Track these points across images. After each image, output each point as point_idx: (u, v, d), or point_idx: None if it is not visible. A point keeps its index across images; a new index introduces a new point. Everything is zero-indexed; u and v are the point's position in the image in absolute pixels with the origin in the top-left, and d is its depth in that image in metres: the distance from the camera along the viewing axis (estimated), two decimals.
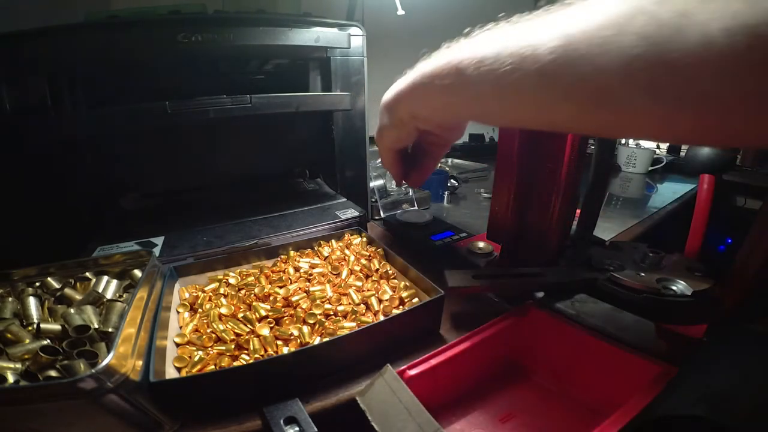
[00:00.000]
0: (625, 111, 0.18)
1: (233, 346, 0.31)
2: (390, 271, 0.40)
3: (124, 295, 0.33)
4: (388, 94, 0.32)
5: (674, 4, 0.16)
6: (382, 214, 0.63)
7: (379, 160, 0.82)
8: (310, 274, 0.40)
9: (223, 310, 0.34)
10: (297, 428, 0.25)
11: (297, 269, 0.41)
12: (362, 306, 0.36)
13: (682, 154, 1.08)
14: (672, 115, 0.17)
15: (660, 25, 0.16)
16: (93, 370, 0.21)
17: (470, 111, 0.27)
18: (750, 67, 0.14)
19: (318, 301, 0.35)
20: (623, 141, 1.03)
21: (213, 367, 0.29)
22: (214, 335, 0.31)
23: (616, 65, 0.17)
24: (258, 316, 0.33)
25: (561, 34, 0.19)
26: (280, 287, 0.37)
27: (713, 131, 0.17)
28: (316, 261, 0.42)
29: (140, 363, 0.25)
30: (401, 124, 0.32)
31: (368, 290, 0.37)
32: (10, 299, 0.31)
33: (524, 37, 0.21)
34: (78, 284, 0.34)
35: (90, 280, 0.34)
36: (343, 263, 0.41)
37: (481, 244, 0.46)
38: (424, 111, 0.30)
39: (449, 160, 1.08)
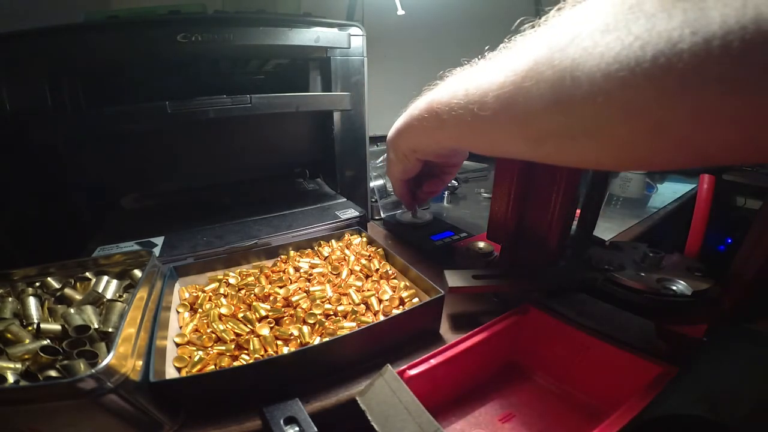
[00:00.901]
0: (559, 146, 0.20)
1: (233, 346, 0.31)
2: (390, 271, 0.40)
3: (124, 295, 0.33)
4: (391, 132, 0.36)
5: (567, 55, 0.17)
6: (382, 214, 0.63)
7: (379, 160, 0.82)
8: (310, 274, 0.40)
9: (223, 310, 0.34)
10: (297, 428, 0.25)
11: (297, 269, 0.41)
12: (362, 306, 0.36)
13: None
14: (582, 150, 0.20)
15: (559, 74, 0.18)
16: (93, 370, 0.21)
17: (456, 144, 0.30)
18: (622, 112, 0.16)
19: (318, 301, 0.35)
20: None
21: (213, 367, 0.29)
22: (214, 335, 0.31)
23: (540, 108, 0.19)
24: (258, 316, 0.33)
25: (500, 78, 0.21)
26: (280, 287, 0.37)
27: (614, 160, 0.19)
28: (316, 261, 0.42)
29: (140, 363, 0.25)
30: (404, 158, 0.36)
31: (368, 290, 0.37)
32: (10, 299, 0.31)
33: (480, 80, 0.23)
34: (78, 284, 0.34)
35: (90, 280, 0.34)
36: (343, 263, 0.41)
37: (481, 244, 0.46)
38: (419, 146, 0.34)
39: None
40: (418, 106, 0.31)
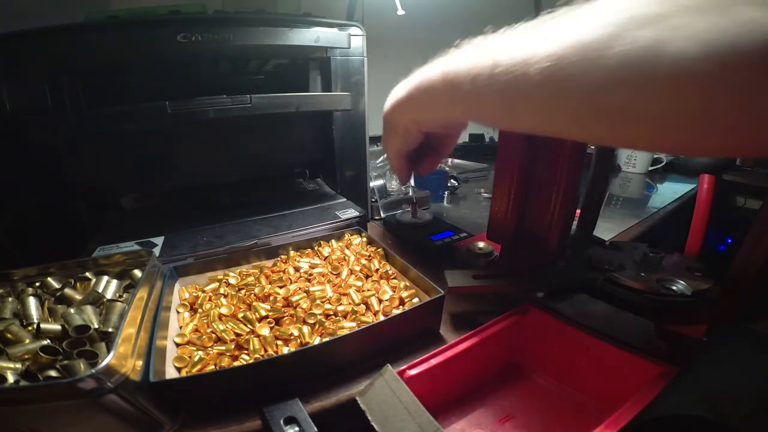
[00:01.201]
0: (615, 125, 0.19)
1: (233, 346, 0.31)
2: (390, 271, 0.40)
3: (124, 295, 0.33)
4: (389, 104, 0.33)
5: (650, 30, 0.16)
6: (382, 214, 0.63)
7: (380, 159, 0.82)
8: (310, 274, 0.40)
9: (223, 310, 0.34)
10: (297, 428, 0.25)
11: (297, 269, 0.41)
12: (362, 306, 0.36)
13: None
14: (653, 132, 0.18)
15: (637, 48, 0.17)
16: (93, 370, 0.21)
17: (471, 117, 0.28)
18: (722, 87, 0.15)
19: (318, 301, 0.35)
20: None
21: (213, 367, 0.29)
22: (214, 335, 0.31)
23: (597, 85, 0.18)
24: (258, 316, 0.33)
25: (551, 50, 0.19)
26: (280, 287, 0.37)
27: (693, 144, 0.18)
28: (316, 261, 0.42)
29: (140, 363, 0.25)
30: (405, 131, 0.33)
31: (368, 290, 0.37)
32: (10, 299, 0.31)
33: (516, 50, 0.21)
34: (78, 284, 0.34)
35: (90, 280, 0.34)
36: (343, 263, 0.41)
37: (481, 244, 0.46)
38: (426, 117, 0.31)
39: (449, 160, 1.08)
40: (427, 75, 0.28)
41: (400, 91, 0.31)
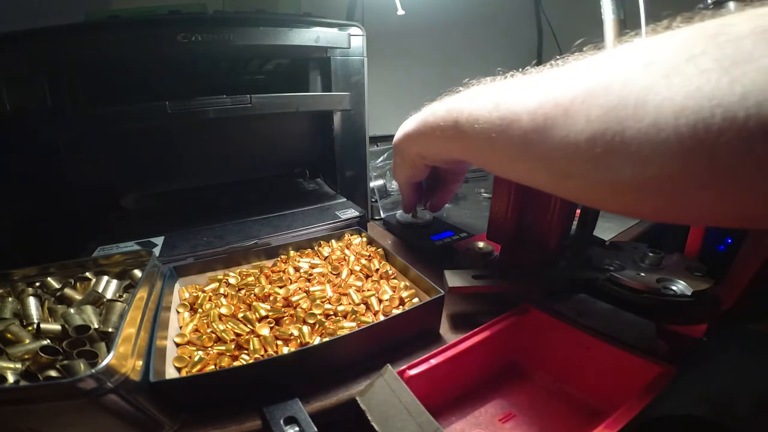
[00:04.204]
0: (591, 184, 0.19)
1: (233, 346, 0.31)
2: (390, 271, 0.40)
3: (124, 295, 0.33)
4: (399, 135, 0.35)
5: (638, 82, 0.16)
6: (382, 214, 0.63)
7: (379, 160, 0.82)
8: (310, 274, 0.40)
9: (223, 310, 0.34)
10: (297, 428, 0.25)
11: (297, 269, 0.41)
12: (362, 306, 0.36)
13: None
14: (633, 194, 0.17)
15: (617, 102, 0.16)
16: (93, 370, 0.21)
17: (470, 158, 0.29)
18: (704, 151, 0.14)
19: (318, 301, 0.35)
20: None
21: (213, 367, 0.29)
22: (214, 335, 0.31)
23: (582, 138, 0.18)
24: (258, 316, 0.33)
25: (539, 102, 0.20)
26: (280, 287, 0.37)
27: (661, 212, 0.18)
28: (316, 261, 0.42)
29: (140, 363, 0.25)
30: (412, 163, 0.35)
31: (368, 290, 0.37)
32: (10, 299, 0.31)
33: (513, 100, 0.22)
34: (78, 284, 0.34)
35: (90, 280, 0.34)
36: (343, 263, 0.41)
37: (481, 244, 0.46)
38: (430, 153, 0.33)
39: None
40: (435, 111, 0.29)
41: (410, 123, 0.33)
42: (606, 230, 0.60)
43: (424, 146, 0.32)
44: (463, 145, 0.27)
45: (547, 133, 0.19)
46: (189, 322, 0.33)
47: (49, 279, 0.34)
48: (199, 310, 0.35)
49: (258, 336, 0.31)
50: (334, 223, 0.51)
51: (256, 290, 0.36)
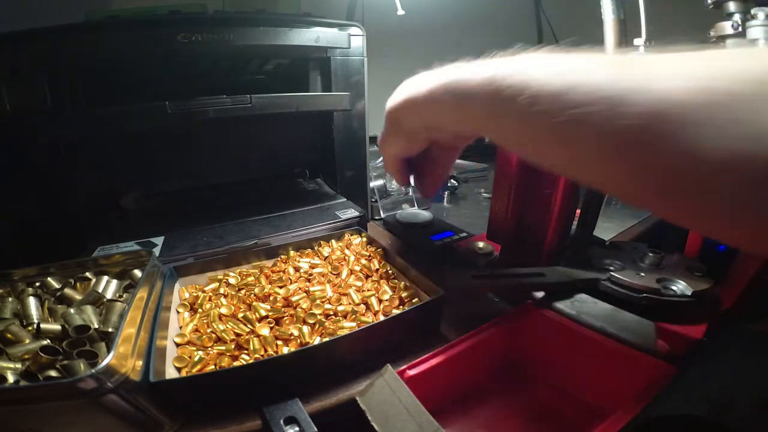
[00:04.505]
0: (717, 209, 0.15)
1: (233, 346, 0.31)
2: (390, 271, 0.40)
3: (124, 295, 0.33)
4: (396, 100, 0.28)
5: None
6: (382, 214, 0.63)
7: (380, 160, 0.82)
8: (310, 274, 0.40)
9: (223, 310, 0.34)
10: (297, 428, 0.25)
11: (297, 269, 0.41)
12: (362, 306, 0.36)
13: None
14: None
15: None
16: (93, 370, 0.21)
17: (503, 138, 0.23)
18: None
19: (318, 301, 0.35)
20: None
21: (213, 367, 0.29)
22: (214, 335, 0.31)
23: (719, 157, 0.13)
24: (258, 316, 0.33)
25: (654, 100, 0.15)
26: (280, 287, 0.37)
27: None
28: (316, 261, 0.42)
29: (140, 363, 0.25)
30: (412, 133, 0.29)
31: (368, 290, 0.37)
32: (10, 299, 0.31)
33: (601, 84, 0.16)
34: (78, 284, 0.34)
35: (90, 280, 0.34)
36: (343, 263, 0.41)
37: (481, 244, 0.46)
38: (443, 122, 0.26)
39: None
40: (466, 74, 0.22)
41: (416, 88, 0.26)
42: (606, 230, 0.60)
43: (440, 114, 0.25)
44: (502, 124, 0.21)
45: (663, 140, 0.15)
46: (189, 322, 0.33)
47: (49, 279, 0.34)
48: (199, 310, 0.35)
49: (258, 336, 0.31)
50: (334, 223, 0.51)
51: (256, 290, 0.36)
